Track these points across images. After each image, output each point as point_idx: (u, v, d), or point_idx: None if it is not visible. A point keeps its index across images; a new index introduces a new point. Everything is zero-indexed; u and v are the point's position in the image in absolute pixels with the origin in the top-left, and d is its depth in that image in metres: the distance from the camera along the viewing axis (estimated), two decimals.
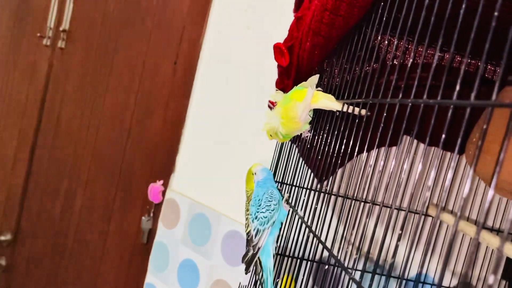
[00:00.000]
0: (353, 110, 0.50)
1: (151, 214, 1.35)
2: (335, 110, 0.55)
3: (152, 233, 1.34)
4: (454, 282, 0.86)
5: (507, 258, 0.80)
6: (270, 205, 0.66)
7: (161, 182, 1.33)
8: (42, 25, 1.78)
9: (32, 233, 1.76)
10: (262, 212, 0.66)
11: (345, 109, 0.51)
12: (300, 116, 0.58)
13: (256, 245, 0.64)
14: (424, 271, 0.87)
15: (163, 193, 1.32)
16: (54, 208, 1.67)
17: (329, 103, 0.55)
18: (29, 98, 1.82)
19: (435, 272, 0.87)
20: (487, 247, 0.85)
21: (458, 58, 0.76)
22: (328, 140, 0.57)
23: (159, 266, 1.29)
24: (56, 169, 1.69)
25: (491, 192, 0.24)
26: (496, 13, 0.26)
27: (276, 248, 0.74)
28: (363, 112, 0.48)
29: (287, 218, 0.72)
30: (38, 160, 1.77)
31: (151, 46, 1.42)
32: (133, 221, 1.40)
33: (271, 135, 0.67)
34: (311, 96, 0.56)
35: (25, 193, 1.80)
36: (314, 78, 0.58)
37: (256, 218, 0.66)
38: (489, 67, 0.77)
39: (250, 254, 0.64)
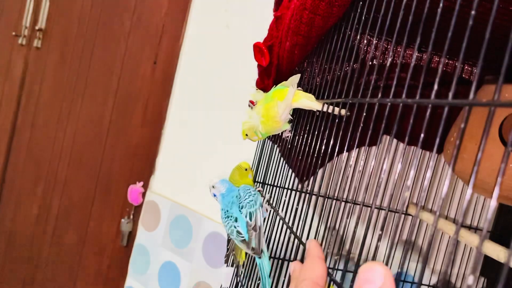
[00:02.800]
0: (333, 109, 0.50)
1: (131, 216, 1.33)
2: (315, 110, 0.55)
3: (132, 235, 1.32)
4: (434, 279, 0.87)
5: (486, 255, 0.81)
6: (249, 190, 0.67)
7: (141, 183, 1.31)
8: (17, 24, 1.73)
9: (8, 236, 1.71)
10: (246, 198, 0.66)
11: (325, 109, 0.51)
12: (281, 115, 0.58)
13: (255, 225, 0.64)
14: (404, 270, 0.87)
15: (143, 195, 1.30)
16: (31, 211, 1.63)
17: (310, 102, 0.55)
18: (4, 98, 1.78)
19: (415, 271, 0.88)
20: (466, 244, 0.86)
21: (436, 59, 0.77)
22: (309, 140, 0.56)
23: (139, 269, 1.27)
24: (33, 171, 1.65)
25: (469, 191, 0.24)
26: (473, 12, 0.26)
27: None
28: (343, 112, 0.48)
29: (268, 219, 0.71)
30: (13, 162, 1.73)
31: (130, 46, 1.40)
32: (113, 224, 1.37)
33: (246, 135, 0.66)
34: (292, 96, 0.56)
35: (1, 196, 1.75)
36: (295, 78, 0.58)
37: (242, 207, 0.66)
38: (466, 67, 0.78)
39: (253, 236, 0.63)
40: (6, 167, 1.75)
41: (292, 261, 0.55)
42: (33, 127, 1.66)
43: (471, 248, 0.84)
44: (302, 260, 0.39)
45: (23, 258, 1.65)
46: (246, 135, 0.66)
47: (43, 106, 1.65)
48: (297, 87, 0.58)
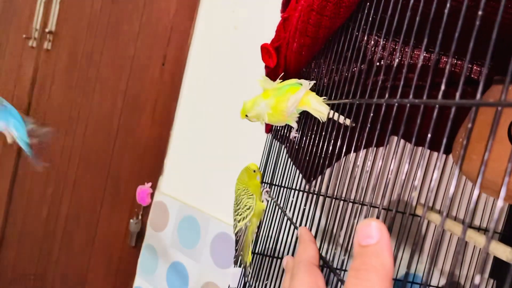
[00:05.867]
0: (338, 118, 0.50)
1: (140, 217, 1.33)
2: (322, 115, 0.55)
3: (140, 236, 1.33)
4: (443, 281, 0.87)
5: (495, 257, 0.80)
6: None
7: (150, 184, 1.32)
8: (27, 26, 1.76)
9: (18, 237, 1.73)
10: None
11: (331, 115, 0.51)
12: (288, 108, 0.58)
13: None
14: (412, 271, 0.87)
15: (152, 195, 1.31)
16: (41, 213, 1.65)
17: (318, 105, 0.55)
18: (14, 100, 1.80)
19: (424, 272, 0.87)
20: (474, 246, 0.85)
21: (444, 59, 0.77)
22: (316, 141, 0.57)
23: (148, 269, 1.28)
24: (43, 172, 1.66)
25: (476, 191, 0.24)
26: (480, 12, 0.26)
27: (265, 249, 0.74)
28: (348, 122, 0.48)
29: (276, 219, 0.71)
30: (23, 164, 1.75)
31: (139, 48, 1.41)
32: (121, 224, 1.38)
33: (246, 116, 0.66)
34: (304, 91, 0.56)
35: (11, 198, 1.78)
36: (310, 84, 0.58)
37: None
38: (475, 67, 0.77)
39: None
40: (16, 169, 1.77)
41: None
42: None
43: (480, 249, 0.83)
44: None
45: (33, 258, 1.66)
46: (246, 116, 0.66)
47: (53, 107, 1.66)
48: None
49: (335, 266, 0.38)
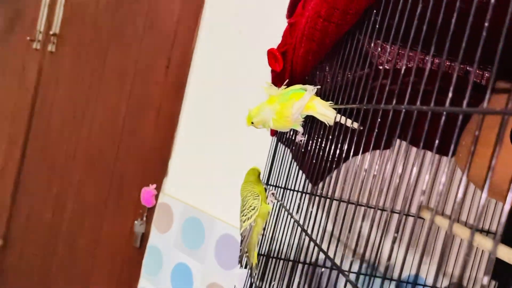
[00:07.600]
0: (346, 121, 0.51)
1: (144, 218, 1.34)
2: (327, 123, 0.56)
3: (145, 237, 1.34)
4: (446, 282, 0.88)
5: (497, 259, 0.81)
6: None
7: (154, 186, 1.33)
8: (32, 29, 1.77)
9: (22, 238, 1.74)
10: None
11: (338, 119, 0.52)
12: (293, 114, 0.59)
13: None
14: (416, 273, 0.88)
15: (156, 197, 1.32)
16: (45, 213, 1.65)
17: (324, 110, 0.56)
18: (18, 102, 1.81)
19: (427, 273, 0.88)
20: (477, 247, 0.86)
21: (447, 63, 0.78)
22: (322, 144, 0.57)
23: (152, 270, 1.29)
24: (47, 174, 1.67)
25: (484, 195, 0.25)
26: (486, 24, 0.27)
27: (270, 251, 0.75)
28: (356, 125, 0.49)
29: (282, 221, 0.72)
30: (28, 165, 1.75)
31: (143, 50, 1.42)
32: (126, 225, 1.39)
33: (252, 123, 0.66)
34: (309, 97, 0.57)
35: (15, 198, 1.78)
36: (314, 89, 0.59)
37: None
38: (477, 71, 0.78)
39: None
40: (20, 171, 1.78)
41: (306, 263, 0.56)
42: (47, 131, 1.69)
43: (482, 251, 0.84)
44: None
45: (37, 259, 1.67)
46: (252, 123, 0.67)
47: (57, 110, 1.67)
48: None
49: (342, 267, 0.39)
